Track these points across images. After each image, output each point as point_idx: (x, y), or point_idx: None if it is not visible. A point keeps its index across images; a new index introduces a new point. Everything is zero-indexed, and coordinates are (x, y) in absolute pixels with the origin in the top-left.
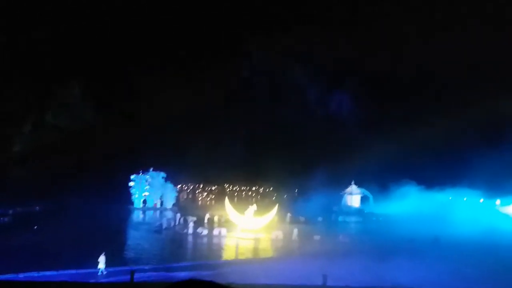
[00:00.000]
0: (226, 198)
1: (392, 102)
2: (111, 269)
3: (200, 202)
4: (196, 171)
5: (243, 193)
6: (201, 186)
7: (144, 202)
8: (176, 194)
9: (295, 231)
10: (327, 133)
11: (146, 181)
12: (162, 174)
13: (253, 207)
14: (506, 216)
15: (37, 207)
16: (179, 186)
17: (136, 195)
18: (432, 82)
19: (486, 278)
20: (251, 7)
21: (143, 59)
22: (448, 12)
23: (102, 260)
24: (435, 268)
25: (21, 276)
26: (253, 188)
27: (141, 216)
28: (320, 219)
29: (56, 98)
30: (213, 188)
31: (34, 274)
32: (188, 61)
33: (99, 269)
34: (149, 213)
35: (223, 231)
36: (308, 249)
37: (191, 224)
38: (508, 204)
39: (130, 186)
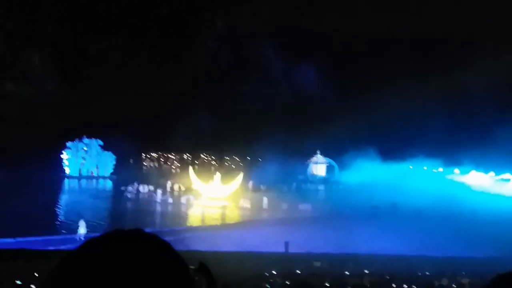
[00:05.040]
0: (190, 167)
1: (353, 72)
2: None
3: (162, 171)
4: (159, 141)
5: (205, 162)
6: (164, 155)
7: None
8: (114, 162)
9: (264, 199)
10: (292, 103)
11: (82, 148)
12: (99, 141)
13: (218, 175)
14: (461, 184)
15: None
16: (143, 155)
17: (69, 163)
18: (393, 50)
19: (441, 244)
20: None
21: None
22: None
23: (82, 225)
24: (393, 234)
25: None
26: (215, 157)
27: (84, 184)
28: (285, 187)
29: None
30: (174, 157)
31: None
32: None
33: (80, 234)
34: (87, 181)
35: (188, 198)
36: (273, 216)
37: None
38: (466, 173)
39: (63, 154)
